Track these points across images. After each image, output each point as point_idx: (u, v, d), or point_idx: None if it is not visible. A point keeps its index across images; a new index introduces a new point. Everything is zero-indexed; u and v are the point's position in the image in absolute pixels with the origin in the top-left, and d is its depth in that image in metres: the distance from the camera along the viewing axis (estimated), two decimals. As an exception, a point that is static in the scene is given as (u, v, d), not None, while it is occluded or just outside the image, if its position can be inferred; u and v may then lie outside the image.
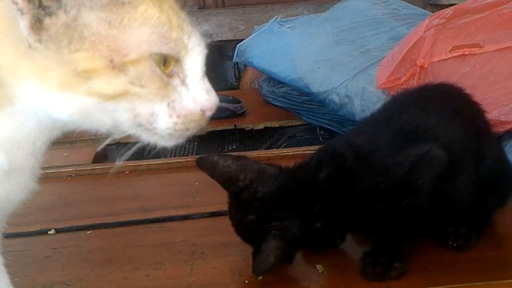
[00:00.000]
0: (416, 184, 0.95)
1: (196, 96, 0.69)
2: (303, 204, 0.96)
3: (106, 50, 0.63)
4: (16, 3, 0.61)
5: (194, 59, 0.69)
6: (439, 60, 1.46)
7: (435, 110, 1.03)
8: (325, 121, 1.88)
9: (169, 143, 0.70)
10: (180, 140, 0.70)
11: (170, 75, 0.67)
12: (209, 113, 0.71)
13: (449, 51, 1.46)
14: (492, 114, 1.24)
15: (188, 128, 0.69)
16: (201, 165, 1.02)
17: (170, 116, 0.67)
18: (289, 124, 2.02)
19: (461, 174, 1.00)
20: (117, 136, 0.69)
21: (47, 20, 0.62)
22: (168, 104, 0.67)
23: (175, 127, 0.68)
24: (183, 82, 0.68)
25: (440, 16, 1.53)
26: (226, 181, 1.00)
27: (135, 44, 0.64)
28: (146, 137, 0.69)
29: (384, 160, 0.96)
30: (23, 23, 0.62)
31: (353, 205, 0.96)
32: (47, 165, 1.44)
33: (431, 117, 1.01)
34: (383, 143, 0.99)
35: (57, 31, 0.63)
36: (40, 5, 0.62)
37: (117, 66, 0.63)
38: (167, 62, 0.67)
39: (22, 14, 0.62)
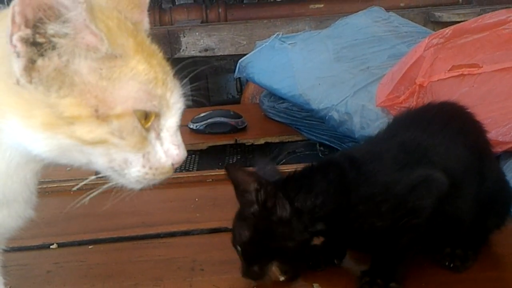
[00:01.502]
0: (414, 205, 0.96)
1: (168, 150, 0.72)
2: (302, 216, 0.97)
3: (94, 100, 0.65)
4: (15, 46, 0.62)
5: (173, 115, 0.72)
6: (438, 80, 1.48)
7: (437, 129, 1.04)
8: (325, 137, 1.89)
9: (137, 187, 0.73)
10: (146, 186, 0.73)
11: (148, 129, 0.70)
12: (176, 166, 0.74)
13: (448, 70, 1.47)
14: (491, 134, 1.25)
15: (156, 179, 0.73)
16: (256, 161, 1.07)
17: (144, 166, 0.70)
18: (290, 140, 2.03)
19: (462, 194, 1.01)
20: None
21: (39, 61, 0.63)
22: (143, 156, 0.70)
23: (145, 177, 0.71)
24: (158, 136, 0.72)
25: (440, 36, 1.54)
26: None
27: (122, 99, 0.66)
28: (116, 179, 0.72)
29: (382, 175, 0.98)
30: (17, 65, 0.63)
31: (348, 218, 0.97)
32: (49, 179, 1.47)
33: (433, 136, 1.02)
34: (382, 159, 1.00)
35: (48, 75, 0.64)
36: (34, 43, 0.63)
37: (101, 117, 0.65)
38: (148, 117, 0.69)
39: (18, 57, 0.63)
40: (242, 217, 1.00)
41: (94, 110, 0.65)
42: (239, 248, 1.01)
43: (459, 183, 1.00)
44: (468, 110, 1.09)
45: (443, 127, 1.04)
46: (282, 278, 1.01)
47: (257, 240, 0.98)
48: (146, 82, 0.68)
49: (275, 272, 1.01)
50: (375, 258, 1.00)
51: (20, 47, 0.62)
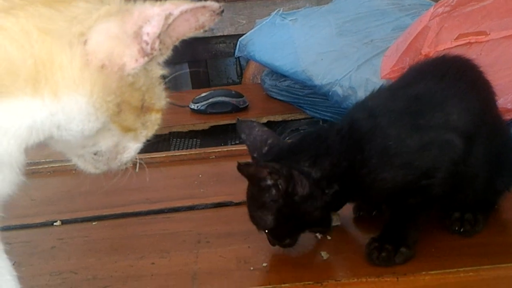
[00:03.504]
0: (427, 165, 0.95)
1: None
2: (321, 167, 0.96)
3: (147, 94, 0.71)
4: (150, 44, 0.67)
5: None
6: (444, 49, 1.45)
7: (452, 80, 1.02)
8: (328, 114, 1.88)
9: (97, 171, 0.76)
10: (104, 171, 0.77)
11: None
12: None
13: (454, 39, 1.46)
14: (499, 101, 1.23)
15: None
16: (239, 126, 1.04)
17: (135, 152, 0.76)
18: (292, 118, 2.02)
19: (475, 150, 0.99)
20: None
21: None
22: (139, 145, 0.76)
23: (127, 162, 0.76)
24: None
25: (445, 4, 1.52)
26: (256, 143, 1.01)
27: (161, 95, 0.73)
28: (100, 161, 0.74)
29: (397, 127, 0.96)
30: (139, 60, 0.67)
31: (361, 174, 0.95)
32: (52, 159, 1.46)
33: (448, 87, 1.01)
34: (397, 110, 0.99)
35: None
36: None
37: (144, 109, 0.71)
38: None
39: (145, 55, 0.67)
40: (260, 205, 0.97)
41: (142, 102, 0.70)
42: (265, 232, 1.00)
43: (473, 137, 0.98)
44: (480, 68, 1.07)
45: (458, 79, 1.03)
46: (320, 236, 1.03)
47: (283, 222, 0.97)
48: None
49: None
50: (386, 223, 0.99)
51: (156, 48, 0.66)
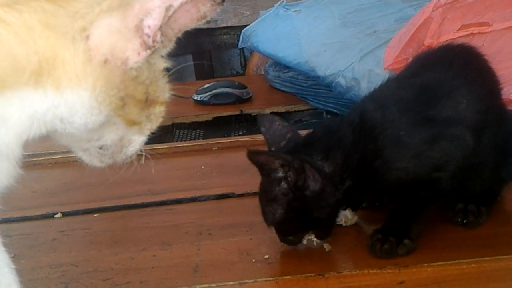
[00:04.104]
0: (438, 158, 0.95)
1: None
2: (334, 161, 0.95)
3: (151, 87, 0.70)
4: (151, 37, 0.66)
5: None
6: (447, 40, 1.44)
7: (459, 69, 1.02)
8: (331, 105, 1.87)
9: (102, 164, 0.76)
10: (109, 164, 0.77)
11: None
12: None
13: (457, 30, 1.44)
14: (502, 92, 1.23)
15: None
16: (260, 120, 1.04)
17: (139, 145, 0.76)
18: (296, 109, 2.02)
19: (483, 140, 0.99)
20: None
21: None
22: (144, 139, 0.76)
23: (133, 154, 0.76)
24: None
25: (448, -4, 1.50)
26: (275, 137, 1.00)
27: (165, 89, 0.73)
28: (91, 155, 0.74)
29: (408, 117, 0.96)
30: (142, 52, 0.67)
31: (374, 167, 0.94)
32: (54, 151, 1.45)
33: (455, 75, 1.01)
34: (405, 97, 0.98)
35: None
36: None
37: (148, 102, 0.71)
38: None
39: (148, 48, 0.67)
40: (270, 198, 0.95)
41: (146, 96, 0.70)
42: (273, 227, 0.99)
43: (482, 126, 0.98)
44: (484, 56, 1.07)
45: (465, 68, 1.02)
46: (318, 243, 1.01)
47: (292, 217, 0.95)
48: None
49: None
50: (390, 215, 0.98)
51: (158, 40, 0.65)
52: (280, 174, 0.92)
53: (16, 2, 0.63)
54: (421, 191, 0.96)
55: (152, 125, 0.74)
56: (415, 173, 0.95)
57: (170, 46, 0.70)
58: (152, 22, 0.64)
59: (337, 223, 1.03)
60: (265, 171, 0.94)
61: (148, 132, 0.75)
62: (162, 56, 0.71)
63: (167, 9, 0.64)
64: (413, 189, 0.96)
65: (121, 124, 0.70)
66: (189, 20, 0.68)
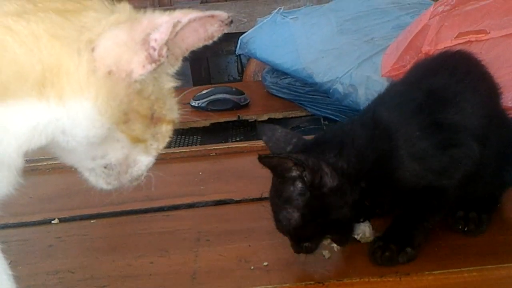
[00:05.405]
0: (446, 165, 0.95)
1: None
2: (347, 158, 0.94)
3: (157, 104, 0.70)
4: (158, 50, 0.67)
5: None
6: (444, 47, 1.44)
7: (462, 74, 1.02)
8: (329, 111, 1.87)
9: (109, 186, 0.75)
10: (116, 187, 0.76)
11: None
12: None
13: (454, 38, 1.45)
14: (500, 99, 1.23)
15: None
16: (260, 129, 1.04)
17: (146, 167, 0.75)
18: (293, 115, 2.02)
19: (487, 147, 0.99)
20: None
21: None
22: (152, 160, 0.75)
23: (139, 177, 0.76)
24: None
25: (445, 3, 1.51)
26: (279, 144, 0.99)
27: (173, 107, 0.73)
28: (97, 175, 0.73)
29: (418, 120, 0.96)
30: (147, 66, 0.67)
31: (390, 168, 0.94)
32: (50, 157, 1.44)
33: (459, 81, 1.01)
34: (414, 100, 0.99)
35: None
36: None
37: (155, 119, 0.71)
38: None
39: (152, 62, 0.67)
40: (285, 200, 0.92)
41: (152, 112, 0.70)
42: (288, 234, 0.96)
43: (486, 132, 0.98)
44: (482, 61, 1.08)
45: (468, 73, 1.03)
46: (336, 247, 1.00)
47: (310, 220, 0.92)
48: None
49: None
50: (392, 223, 0.98)
51: (163, 55, 0.66)
52: (295, 173, 0.90)
53: (25, 12, 0.64)
54: (429, 199, 0.96)
55: (159, 145, 0.73)
56: (425, 178, 0.95)
57: (177, 65, 0.71)
58: (159, 36, 0.65)
59: (355, 236, 1.00)
60: (278, 172, 0.92)
61: (154, 153, 0.74)
62: (168, 74, 0.71)
63: (175, 25, 0.65)
64: (421, 195, 0.96)
65: (126, 141, 0.70)
66: (196, 40, 0.69)
